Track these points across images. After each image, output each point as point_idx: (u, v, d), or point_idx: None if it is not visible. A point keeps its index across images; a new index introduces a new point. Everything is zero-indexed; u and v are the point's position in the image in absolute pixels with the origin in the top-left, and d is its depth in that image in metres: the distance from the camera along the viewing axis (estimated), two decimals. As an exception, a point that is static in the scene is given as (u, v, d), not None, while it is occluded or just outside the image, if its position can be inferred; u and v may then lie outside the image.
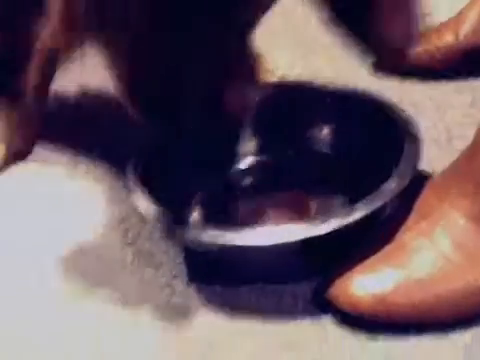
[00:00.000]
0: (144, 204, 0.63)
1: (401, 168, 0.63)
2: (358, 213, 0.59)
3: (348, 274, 0.59)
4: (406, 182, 0.61)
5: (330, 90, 0.75)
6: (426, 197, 0.63)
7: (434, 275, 0.58)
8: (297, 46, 0.98)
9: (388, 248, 0.60)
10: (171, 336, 0.61)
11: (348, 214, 0.58)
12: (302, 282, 0.63)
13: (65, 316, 0.65)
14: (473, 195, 0.59)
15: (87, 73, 0.71)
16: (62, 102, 0.95)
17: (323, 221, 0.58)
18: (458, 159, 0.64)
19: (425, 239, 0.59)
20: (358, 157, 0.71)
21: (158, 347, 0.60)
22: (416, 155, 0.64)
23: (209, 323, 0.62)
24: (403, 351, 0.57)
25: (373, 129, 0.70)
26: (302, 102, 0.75)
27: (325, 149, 0.75)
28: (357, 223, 0.58)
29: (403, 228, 0.61)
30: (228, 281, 0.64)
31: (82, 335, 0.62)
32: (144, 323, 0.63)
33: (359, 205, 0.59)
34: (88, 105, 0.92)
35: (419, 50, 0.93)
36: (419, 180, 0.72)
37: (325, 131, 0.75)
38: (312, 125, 0.75)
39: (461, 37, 0.89)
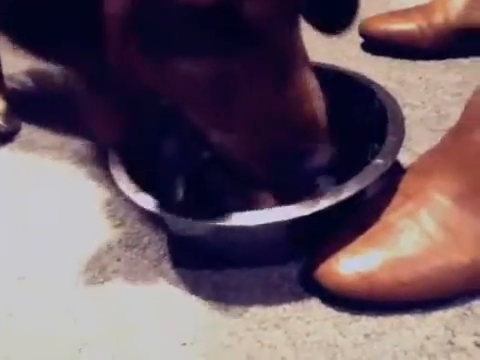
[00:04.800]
0: (129, 187, 0.63)
1: (386, 148, 0.62)
2: (344, 194, 0.58)
3: (334, 254, 0.59)
4: (391, 162, 0.61)
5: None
6: (411, 177, 0.63)
7: (418, 254, 0.58)
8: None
9: (373, 229, 0.60)
10: (156, 317, 0.61)
11: (335, 195, 0.58)
12: (288, 263, 0.64)
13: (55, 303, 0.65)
14: (457, 175, 0.59)
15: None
16: (47, 84, 0.95)
17: (310, 202, 0.58)
18: (443, 139, 0.64)
19: (410, 220, 0.59)
20: (342, 136, 0.70)
21: (144, 327, 0.61)
22: (400, 135, 0.64)
23: (195, 304, 0.62)
24: (385, 330, 0.57)
25: (357, 108, 0.69)
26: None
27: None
28: (344, 203, 0.58)
29: (388, 209, 0.61)
30: (214, 262, 0.65)
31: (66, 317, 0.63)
32: (130, 304, 0.63)
33: (345, 186, 0.59)
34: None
35: (411, 27, 0.93)
36: (404, 160, 0.72)
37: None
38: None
39: (452, 17, 0.89)
